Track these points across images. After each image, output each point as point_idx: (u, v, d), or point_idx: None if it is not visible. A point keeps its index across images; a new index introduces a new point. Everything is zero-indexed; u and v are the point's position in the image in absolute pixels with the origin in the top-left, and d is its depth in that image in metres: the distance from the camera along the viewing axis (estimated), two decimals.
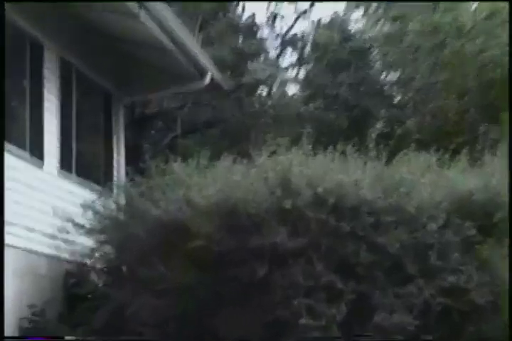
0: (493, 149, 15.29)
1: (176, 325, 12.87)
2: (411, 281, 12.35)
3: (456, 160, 14.27)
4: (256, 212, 12.33)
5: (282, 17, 32.28)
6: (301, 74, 31.87)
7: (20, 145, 14.53)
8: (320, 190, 12.40)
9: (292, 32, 32.27)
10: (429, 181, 13.33)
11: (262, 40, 31.04)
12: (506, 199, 13.05)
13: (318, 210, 12.36)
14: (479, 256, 12.79)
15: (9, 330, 13.05)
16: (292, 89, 31.77)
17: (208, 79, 19.07)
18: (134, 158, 17.84)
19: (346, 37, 30.34)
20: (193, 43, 18.25)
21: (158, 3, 15.62)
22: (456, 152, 14.67)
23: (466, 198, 13.15)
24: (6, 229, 13.00)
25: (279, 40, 31.93)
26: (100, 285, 15.03)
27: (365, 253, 12.33)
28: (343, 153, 13.57)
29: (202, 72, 18.83)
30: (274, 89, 31.55)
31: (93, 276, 15.19)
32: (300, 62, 31.38)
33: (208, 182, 13.15)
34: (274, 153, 13.45)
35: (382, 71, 30.12)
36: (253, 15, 30.72)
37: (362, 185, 12.69)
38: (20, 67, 14.96)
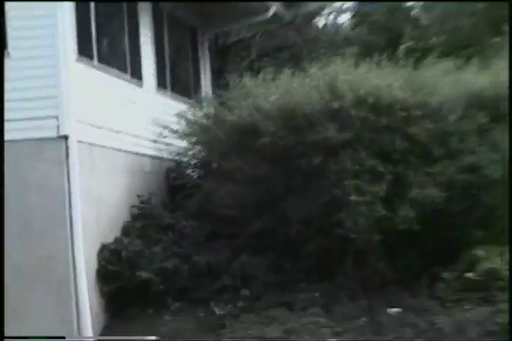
0: (498, 55, 15.99)
1: (252, 207, 13.69)
2: (437, 162, 13.24)
3: (469, 65, 14.90)
4: (310, 113, 13.14)
5: None
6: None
7: (122, 69, 15.22)
8: (361, 92, 13.19)
9: None
10: (448, 82, 14.01)
11: None
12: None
13: (360, 109, 13.15)
14: (491, 139, 13.59)
15: (122, 216, 14.40)
16: (342, 18, 31.14)
17: (271, 12, 19.62)
18: (218, 78, 19.08)
19: None
20: None
21: None
22: (469, 58, 15.36)
23: (479, 94, 13.88)
24: (116, 136, 14.37)
25: None
26: (194, 177, 16.05)
27: (399, 142, 13.20)
28: (379, 64, 14.30)
29: (266, 7, 19.37)
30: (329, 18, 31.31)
31: (188, 171, 16.24)
32: None
33: (271, 92, 13.90)
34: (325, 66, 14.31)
35: None
36: None
37: (394, 87, 13.39)
38: (119, 7, 15.48)
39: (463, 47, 17.14)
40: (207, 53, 20.65)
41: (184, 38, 19.64)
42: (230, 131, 13.93)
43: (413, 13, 27.63)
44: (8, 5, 12.15)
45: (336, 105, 13.05)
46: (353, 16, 29.77)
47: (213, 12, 19.57)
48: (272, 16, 20.06)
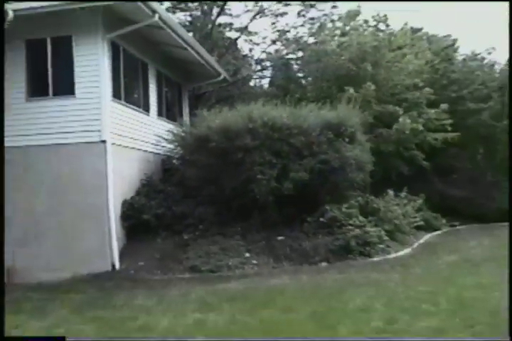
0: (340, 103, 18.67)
1: (205, 181, 16.37)
2: (305, 158, 16.21)
3: (325, 107, 17.77)
4: (238, 130, 15.96)
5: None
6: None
7: (138, 105, 17.98)
8: (265, 118, 16.11)
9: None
10: (313, 115, 16.92)
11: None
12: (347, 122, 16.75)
13: (264, 128, 16.07)
14: (334, 146, 16.47)
15: (136, 185, 17.25)
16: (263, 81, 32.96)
17: (221, 77, 22.72)
18: (192, 112, 21.26)
19: None
20: (212, 60, 21.81)
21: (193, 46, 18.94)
22: (324, 104, 18.19)
23: (328, 121, 16.73)
24: (134, 141, 17.00)
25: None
26: (176, 164, 18.64)
27: (285, 147, 16.13)
28: (277, 105, 17.28)
29: (218, 74, 22.36)
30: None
31: (174, 161, 18.85)
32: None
33: (217, 118, 16.61)
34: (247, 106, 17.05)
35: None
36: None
37: (283, 116, 16.33)
38: (136, 74, 18.18)
39: (322, 98, 19.69)
40: (186, 98, 23.26)
41: (174, 89, 22.20)
42: (195, 139, 16.50)
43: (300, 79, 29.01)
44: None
45: (251, 126, 15.75)
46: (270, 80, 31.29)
47: (189, 76, 22.41)
48: (222, 79, 22.98)
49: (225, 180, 16.08)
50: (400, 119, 22.62)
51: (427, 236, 20.63)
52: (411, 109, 23.89)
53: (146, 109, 18.64)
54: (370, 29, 26.42)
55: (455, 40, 30.13)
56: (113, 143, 15.54)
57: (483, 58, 30.29)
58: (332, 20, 28.80)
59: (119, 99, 16.40)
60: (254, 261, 14.90)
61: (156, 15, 15.35)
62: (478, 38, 44.34)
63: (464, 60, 29.64)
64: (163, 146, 18.73)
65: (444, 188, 26.03)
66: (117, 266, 15.11)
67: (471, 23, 45.58)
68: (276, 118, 16.22)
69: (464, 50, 31.10)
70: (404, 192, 20.12)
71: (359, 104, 19.16)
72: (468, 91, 27.29)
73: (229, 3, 29.10)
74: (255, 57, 31.65)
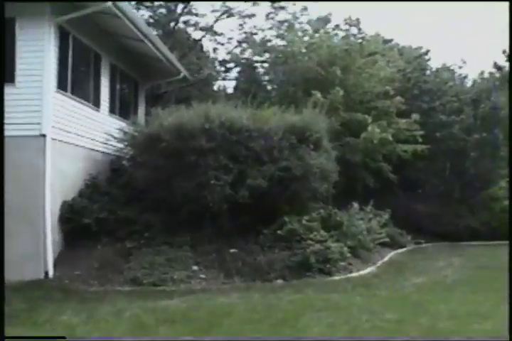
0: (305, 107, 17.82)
1: (154, 184, 15.32)
2: (265, 164, 15.24)
3: (289, 110, 16.85)
4: (192, 130, 15.01)
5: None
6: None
7: (87, 99, 16.91)
8: (223, 118, 15.19)
9: None
10: (275, 117, 16.07)
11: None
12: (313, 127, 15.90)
13: (221, 129, 15.11)
14: (297, 152, 15.55)
15: (79, 185, 16.19)
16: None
17: (181, 75, 21.80)
18: (149, 111, 19.74)
19: None
20: (172, 56, 20.66)
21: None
22: (288, 107, 17.11)
23: (292, 125, 15.86)
24: (79, 138, 16.03)
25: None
26: (125, 165, 17.64)
27: (243, 150, 15.18)
28: (237, 106, 16.33)
29: (178, 72, 21.38)
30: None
31: (123, 162, 17.83)
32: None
33: (171, 117, 15.71)
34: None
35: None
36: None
37: (242, 118, 15.44)
38: (87, 65, 17.12)
39: (287, 102, 18.47)
40: (143, 96, 22.41)
41: (130, 85, 21.13)
42: (145, 138, 15.64)
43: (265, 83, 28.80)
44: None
45: (207, 126, 14.90)
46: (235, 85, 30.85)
47: (147, 72, 21.47)
48: (183, 78, 22.24)
49: (176, 184, 15.09)
50: (369, 128, 21.69)
51: (391, 254, 19.64)
52: (380, 118, 22.98)
53: (97, 104, 17.66)
54: (341, 33, 25.83)
55: (427, 51, 29.65)
56: (54, 139, 14.48)
57: (454, 71, 29.86)
58: (301, 23, 28.14)
59: (65, 90, 15.31)
60: (203, 276, 13.95)
61: (109, 1, 14.20)
62: (448, 52, 44.44)
63: (437, 70, 28.88)
64: (113, 146, 17.75)
65: (410, 203, 25.17)
66: (51, 273, 14.04)
67: (440, 36, 45.52)
68: (235, 119, 15.34)
69: (435, 63, 30.79)
70: (369, 205, 19.07)
71: (326, 110, 18.29)
72: (441, 102, 26.55)
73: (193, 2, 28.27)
74: (220, 59, 30.78)
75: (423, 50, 29.54)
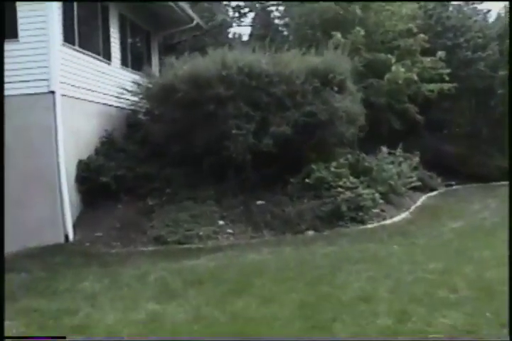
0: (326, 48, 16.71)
1: (173, 137, 14.53)
2: (288, 110, 14.35)
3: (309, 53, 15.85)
4: (209, 78, 14.07)
5: None
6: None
7: (97, 52, 16.10)
8: (240, 64, 14.25)
9: None
10: (296, 60, 15.06)
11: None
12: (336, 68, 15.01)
13: (239, 75, 14.19)
14: (322, 96, 14.67)
15: (94, 142, 15.44)
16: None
17: (194, 22, 20.59)
18: (163, 62, 19.01)
19: None
20: (184, 3, 19.63)
21: None
22: (309, 49, 16.15)
23: (314, 68, 14.92)
24: (91, 93, 15.24)
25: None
26: (142, 118, 16.73)
27: (264, 97, 14.27)
28: (254, 50, 15.43)
29: (191, 19, 20.29)
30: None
31: (139, 116, 16.96)
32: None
33: (185, 65, 14.86)
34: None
35: None
36: None
37: (262, 61, 14.53)
38: (94, 16, 16.26)
39: (306, 46, 17.09)
40: (156, 47, 21.38)
41: (141, 36, 20.20)
42: (160, 89, 14.78)
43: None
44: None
45: (224, 72, 13.98)
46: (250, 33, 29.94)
47: (159, 21, 20.32)
48: (196, 26, 21.04)
49: (196, 136, 14.32)
50: (393, 68, 20.56)
51: (423, 198, 18.89)
52: (404, 58, 21.85)
53: (107, 57, 16.78)
54: None
55: None
56: (64, 95, 13.54)
57: (476, 7, 28.62)
58: None
59: (72, 43, 14.43)
60: (230, 230, 13.26)
61: None
62: None
63: (459, 5, 27.49)
64: (128, 100, 16.82)
65: (438, 144, 24.24)
66: (71, 237, 13.31)
67: None
68: (253, 63, 14.37)
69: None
70: (399, 148, 18.18)
71: (347, 52, 17.07)
72: (465, 39, 25.21)
73: None
74: (233, 4, 29.48)
75: None
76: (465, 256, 10.01)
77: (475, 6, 28.36)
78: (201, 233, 12.81)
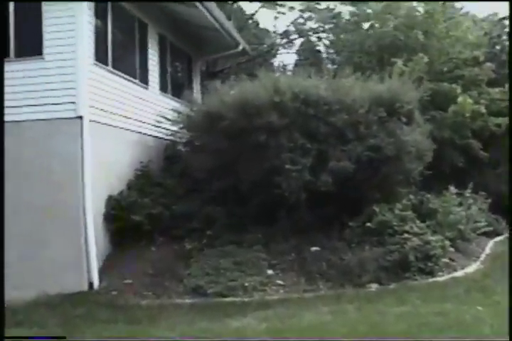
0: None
1: (216, 171, 13.20)
2: (350, 142, 12.77)
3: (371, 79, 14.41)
4: (259, 104, 12.60)
5: None
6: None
7: (133, 76, 14.80)
8: (296, 90, 12.77)
9: None
10: (358, 87, 13.52)
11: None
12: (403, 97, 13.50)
13: (294, 102, 12.72)
14: (387, 127, 13.10)
15: (128, 176, 13.99)
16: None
17: (240, 48, 19.33)
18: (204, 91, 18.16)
19: None
20: (230, 25, 18.76)
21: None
22: (370, 76, 14.66)
23: (379, 96, 13.39)
24: (126, 120, 14.01)
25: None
26: (181, 150, 15.49)
27: (322, 127, 12.74)
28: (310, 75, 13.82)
29: (236, 44, 18.99)
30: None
31: (179, 147, 15.63)
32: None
33: (233, 91, 13.55)
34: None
35: None
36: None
37: (319, 88, 13.01)
38: (131, 35, 15.01)
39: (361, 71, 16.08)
40: (198, 73, 20.32)
41: (182, 60, 19.00)
42: (203, 117, 13.48)
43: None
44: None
45: (277, 99, 12.63)
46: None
47: (202, 44, 19.22)
48: (241, 51, 19.85)
49: (242, 171, 12.78)
50: (460, 99, 18.80)
51: (490, 244, 16.74)
52: (469, 88, 20.09)
53: (144, 81, 15.46)
54: None
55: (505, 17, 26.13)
56: (93, 120, 12.20)
57: None
58: None
59: (105, 63, 13.12)
60: (280, 282, 11.52)
61: None
62: None
63: None
64: (166, 129, 15.48)
65: (501, 184, 22.21)
66: (96, 283, 11.84)
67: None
68: (310, 89, 12.79)
69: None
70: (468, 189, 16.32)
71: (412, 80, 15.35)
72: None
73: None
74: (280, 31, 28.04)
75: (500, 16, 26.10)
76: None
77: None
78: (247, 284, 11.16)
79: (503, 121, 20.18)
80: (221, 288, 11.04)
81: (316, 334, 8.15)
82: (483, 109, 19.28)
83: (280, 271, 11.92)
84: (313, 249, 12.51)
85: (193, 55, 19.53)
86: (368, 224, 12.74)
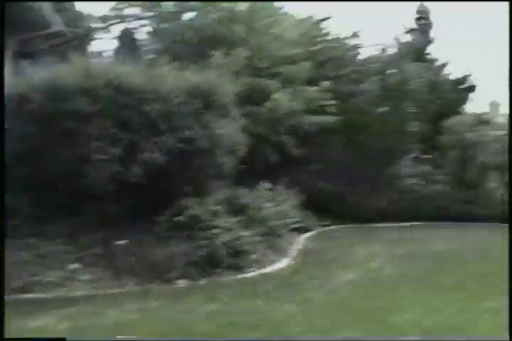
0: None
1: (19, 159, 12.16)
2: (163, 134, 12.40)
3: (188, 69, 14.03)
4: (70, 89, 12.05)
5: None
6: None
7: None
8: (109, 76, 12.30)
9: None
10: (173, 76, 13.21)
11: None
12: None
13: (107, 89, 12.23)
14: (203, 119, 12.89)
15: None
16: None
17: (55, 28, 19.22)
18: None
19: None
20: (46, 5, 18.11)
21: None
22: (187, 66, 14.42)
23: (196, 86, 13.09)
24: None
25: None
26: None
27: (136, 117, 12.33)
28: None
29: (51, 24, 18.84)
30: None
31: None
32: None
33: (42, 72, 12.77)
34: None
35: None
36: None
37: (134, 74, 12.66)
38: None
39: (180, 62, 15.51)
40: (9, 53, 17.82)
41: None
42: (10, 99, 11.79)
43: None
44: None
45: (88, 84, 12.14)
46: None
47: (13, 23, 17.43)
48: (56, 32, 19.47)
49: (50, 158, 12.04)
50: (275, 96, 18.91)
51: (301, 240, 17.17)
52: (285, 85, 20.25)
53: None
54: None
55: (325, 18, 26.50)
56: None
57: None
58: None
59: None
60: (85, 277, 10.95)
61: None
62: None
63: (338, 37, 26.12)
64: None
65: (312, 181, 22.60)
66: None
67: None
68: (124, 76, 12.32)
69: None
70: (282, 185, 16.52)
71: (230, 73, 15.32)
72: (346, 71, 23.89)
73: None
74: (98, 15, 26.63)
75: (319, 18, 26.36)
76: (376, 320, 8.38)
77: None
78: (49, 279, 10.50)
79: (319, 119, 20.57)
80: (21, 283, 10.26)
81: (121, 334, 7.78)
82: (298, 106, 19.52)
83: (86, 264, 11.35)
84: (122, 242, 11.99)
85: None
86: (179, 218, 12.45)
